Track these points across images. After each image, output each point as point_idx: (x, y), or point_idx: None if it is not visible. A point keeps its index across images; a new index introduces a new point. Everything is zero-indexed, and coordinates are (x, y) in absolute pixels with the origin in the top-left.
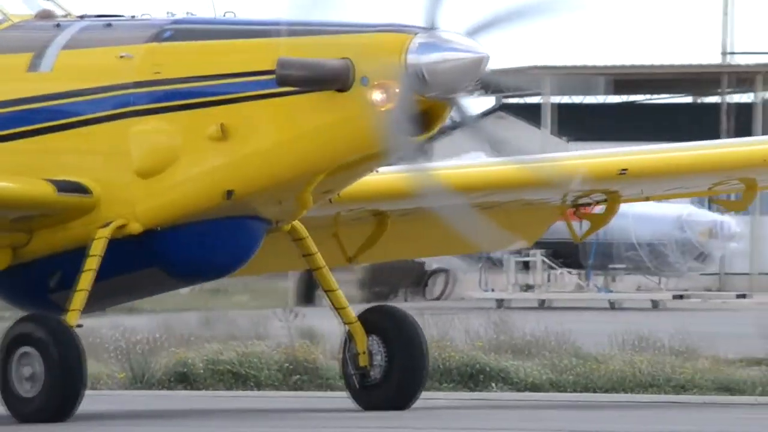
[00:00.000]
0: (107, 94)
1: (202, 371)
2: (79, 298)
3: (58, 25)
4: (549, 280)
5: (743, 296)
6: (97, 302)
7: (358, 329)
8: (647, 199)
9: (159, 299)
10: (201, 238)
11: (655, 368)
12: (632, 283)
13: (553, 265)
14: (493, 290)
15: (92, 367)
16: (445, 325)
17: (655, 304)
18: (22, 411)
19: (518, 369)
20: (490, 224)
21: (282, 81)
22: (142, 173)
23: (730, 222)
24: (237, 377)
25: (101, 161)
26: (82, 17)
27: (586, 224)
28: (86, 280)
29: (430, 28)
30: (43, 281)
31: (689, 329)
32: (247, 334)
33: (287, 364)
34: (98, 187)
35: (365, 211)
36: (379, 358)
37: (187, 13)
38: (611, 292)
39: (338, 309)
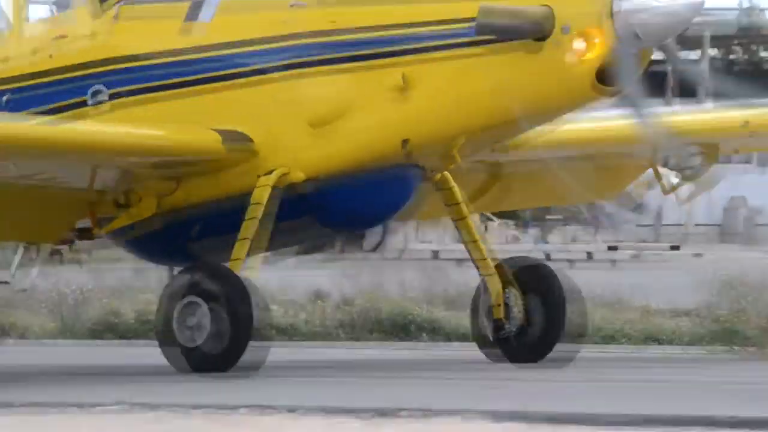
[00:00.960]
0: (279, 44)
1: (132, 321)
2: (242, 247)
3: None
4: (486, 231)
5: (677, 248)
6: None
7: (497, 281)
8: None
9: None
10: (362, 188)
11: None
12: (568, 234)
13: (491, 216)
14: (430, 242)
15: (24, 318)
16: (379, 276)
17: (590, 256)
18: (182, 359)
19: (450, 320)
20: (591, 176)
21: (482, 29)
22: (314, 123)
23: (668, 174)
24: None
25: (270, 112)
26: None
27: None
28: (250, 228)
29: None
30: (183, 231)
31: (621, 281)
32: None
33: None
34: (261, 137)
35: (482, 162)
36: (516, 312)
37: None
38: (547, 243)
39: (477, 260)
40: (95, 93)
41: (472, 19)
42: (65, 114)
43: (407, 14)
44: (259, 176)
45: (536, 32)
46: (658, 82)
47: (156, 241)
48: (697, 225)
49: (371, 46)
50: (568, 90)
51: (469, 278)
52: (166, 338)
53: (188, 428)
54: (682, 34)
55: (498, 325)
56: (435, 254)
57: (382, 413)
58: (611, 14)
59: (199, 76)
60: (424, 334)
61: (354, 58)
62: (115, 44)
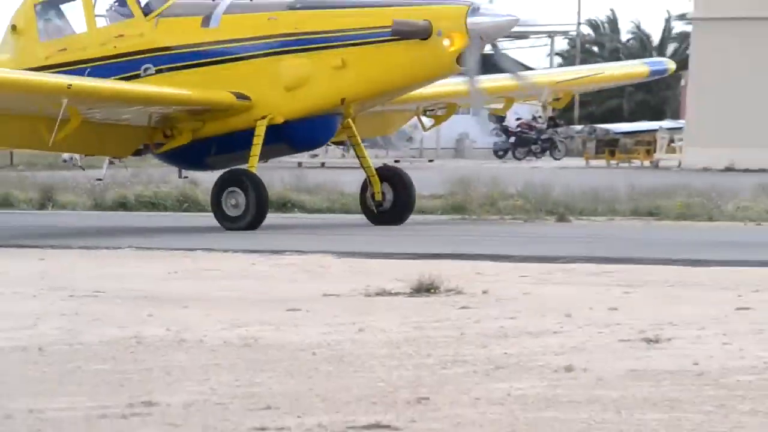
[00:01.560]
0: (264, 41)
1: (134, 202)
2: (253, 161)
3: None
4: (326, 152)
5: (432, 161)
6: (243, 162)
7: (376, 179)
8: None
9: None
10: (313, 126)
11: None
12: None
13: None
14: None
15: (70, 197)
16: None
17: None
18: (228, 224)
19: (310, 201)
20: (383, 119)
21: (395, 33)
22: (287, 88)
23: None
24: (153, 205)
25: (260, 81)
26: None
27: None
28: (256, 148)
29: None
30: (205, 151)
31: None
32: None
33: (181, 198)
34: (256, 96)
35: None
36: (388, 197)
37: None
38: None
39: (364, 167)
40: (146, 69)
41: (388, 27)
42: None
43: (346, 21)
44: (256, 120)
45: (423, 35)
46: (486, 64)
47: (186, 156)
48: (442, 149)
49: (322, 41)
50: (439, 67)
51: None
52: (217, 211)
53: (210, 261)
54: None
55: (377, 204)
56: (300, 164)
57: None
58: (465, 25)
59: (214, 59)
60: (296, 209)
61: (311, 49)
62: (157, 40)
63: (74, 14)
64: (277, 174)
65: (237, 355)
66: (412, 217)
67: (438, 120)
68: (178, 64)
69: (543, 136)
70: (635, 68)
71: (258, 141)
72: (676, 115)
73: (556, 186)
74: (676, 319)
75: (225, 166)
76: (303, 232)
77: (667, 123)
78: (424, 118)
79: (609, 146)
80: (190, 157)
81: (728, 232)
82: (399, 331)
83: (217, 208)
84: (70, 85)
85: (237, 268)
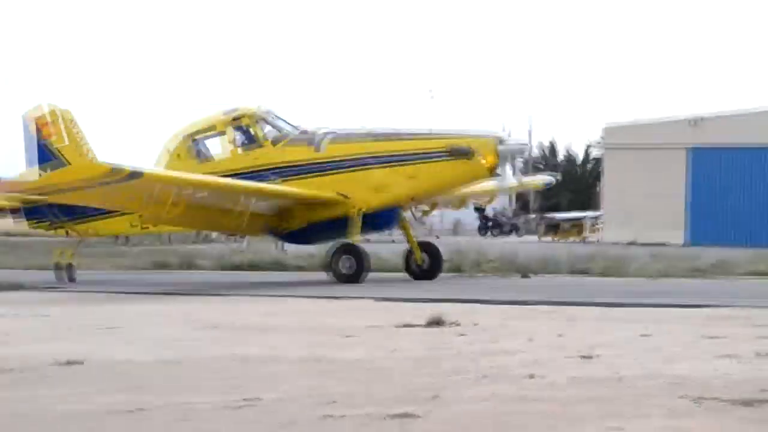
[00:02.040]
0: (358, 159)
1: (245, 265)
2: (356, 237)
3: (315, 133)
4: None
5: (438, 237)
6: (336, 239)
7: (418, 248)
8: None
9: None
10: (388, 214)
11: None
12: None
13: None
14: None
15: (205, 262)
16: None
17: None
18: (344, 279)
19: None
20: None
21: (451, 153)
22: (374, 190)
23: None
24: (257, 267)
25: (355, 185)
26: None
27: None
28: (356, 229)
29: (500, 135)
30: (313, 232)
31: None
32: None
33: (276, 262)
34: (352, 195)
35: None
36: (426, 261)
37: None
38: None
39: (410, 241)
40: (273, 178)
41: (444, 150)
42: None
43: (414, 145)
44: (353, 210)
45: (467, 155)
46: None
47: (298, 235)
48: (444, 228)
49: (398, 159)
50: (476, 176)
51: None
52: (333, 270)
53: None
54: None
55: (419, 266)
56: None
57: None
58: (497, 149)
59: (325, 171)
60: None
61: (391, 164)
62: (281, 158)
63: (214, 145)
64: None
65: (311, 367)
66: None
67: (425, 213)
68: (298, 175)
69: (510, 221)
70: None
71: (356, 224)
72: (597, 207)
73: (520, 253)
74: (602, 342)
75: (323, 242)
76: (357, 285)
77: (590, 213)
78: (416, 212)
79: (553, 228)
80: (300, 236)
81: (633, 284)
82: (418, 351)
83: (334, 268)
84: (257, 189)
85: (311, 309)
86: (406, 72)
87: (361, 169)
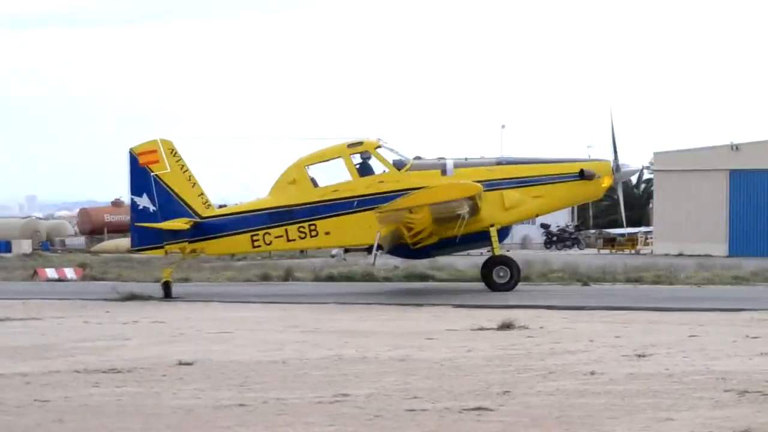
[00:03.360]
0: (488, 181)
1: (337, 276)
2: (497, 249)
3: (439, 159)
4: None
5: (508, 251)
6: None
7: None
8: None
9: None
10: (508, 229)
11: None
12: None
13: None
14: None
15: (302, 273)
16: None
17: None
18: (500, 288)
19: (439, 275)
20: None
21: (583, 176)
22: (505, 208)
23: None
24: (349, 278)
25: (489, 204)
26: (439, 158)
27: None
28: (496, 242)
29: (615, 159)
30: (448, 244)
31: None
32: (351, 263)
33: (366, 274)
34: (486, 213)
35: None
36: (504, 274)
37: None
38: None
39: (495, 254)
40: None
41: (564, 173)
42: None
43: (547, 169)
44: (486, 227)
45: (591, 178)
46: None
47: (430, 249)
48: (514, 243)
49: (528, 182)
50: (593, 196)
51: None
52: (488, 280)
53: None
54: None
55: (498, 276)
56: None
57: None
58: (612, 173)
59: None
60: (430, 279)
61: (521, 186)
62: (410, 183)
63: (328, 170)
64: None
65: (397, 366)
66: None
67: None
68: None
69: (572, 236)
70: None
71: (495, 237)
72: (648, 223)
73: (580, 264)
74: (655, 342)
75: (449, 254)
76: (437, 294)
77: (643, 228)
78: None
79: (610, 242)
80: (430, 249)
81: (681, 290)
82: (491, 351)
83: (489, 278)
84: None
85: (395, 315)
86: (478, 105)
87: (492, 190)
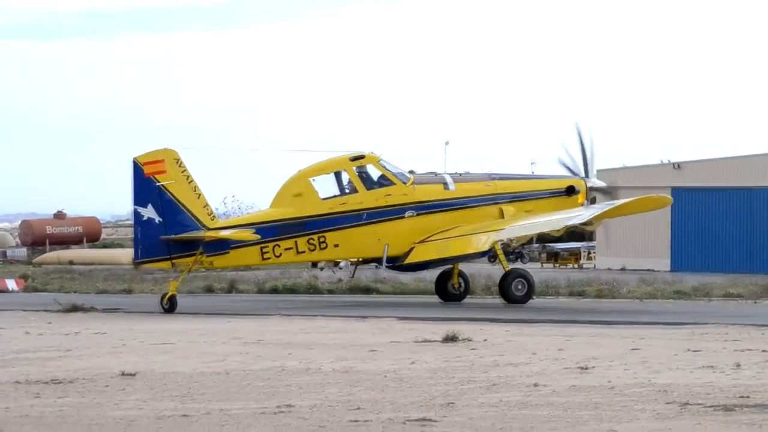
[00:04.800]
0: (484, 196)
1: (281, 288)
2: (505, 264)
3: (435, 174)
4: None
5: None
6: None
7: (457, 274)
8: None
9: None
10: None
11: None
12: None
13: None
14: None
15: (245, 286)
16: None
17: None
18: (517, 300)
19: (383, 288)
20: None
21: (568, 192)
22: (499, 222)
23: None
24: (293, 291)
25: (485, 219)
26: (434, 173)
27: None
28: (503, 257)
29: (587, 175)
30: (442, 262)
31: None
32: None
33: (309, 286)
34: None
35: None
36: (462, 286)
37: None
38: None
39: (454, 269)
40: (409, 214)
41: (550, 189)
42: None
43: (538, 184)
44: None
45: (573, 193)
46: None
47: (421, 267)
48: None
49: (523, 196)
50: (575, 206)
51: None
52: (506, 293)
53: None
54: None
55: (456, 289)
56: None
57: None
58: (587, 188)
59: (455, 207)
60: (374, 293)
61: (514, 200)
62: (416, 197)
63: (336, 184)
64: (363, 273)
65: (340, 378)
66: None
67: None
68: (430, 210)
69: (516, 251)
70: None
71: (501, 251)
72: (591, 238)
73: None
74: (597, 355)
75: (438, 267)
76: (384, 306)
77: (586, 243)
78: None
79: (553, 256)
80: (423, 266)
81: (624, 305)
82: (435, 363)
83: (507, 291)
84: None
85: (339, 326)
86: (422, 122)
87: (488, 204)
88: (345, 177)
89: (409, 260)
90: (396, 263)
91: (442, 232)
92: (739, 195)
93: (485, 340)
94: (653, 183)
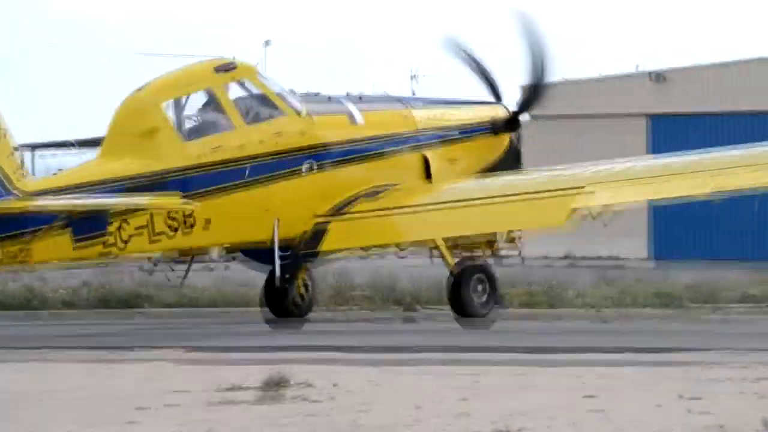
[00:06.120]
0: (406, 135)
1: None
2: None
3: (324, 97)
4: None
5: None
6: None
7: (303, 272)
8: None
9: None
10: None
11: None
12: None
13: None
14: None
15: None
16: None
17: None
18: (473, 311)
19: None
20: None
21: (494, 128)
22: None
23: None
24: None
25: (407, 173)
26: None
27: None
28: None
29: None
30: None
31: None
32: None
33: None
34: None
35: None
36: (308, 294)
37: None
38: None
39: (306, 273)
40: (308, 166)
41: (489, 122)
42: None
43: (459, 115)
44: None
45: (502, 131)
46: None
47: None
48: None
49: (447, 137)
50: (500, 155)
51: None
52: (458, 301)
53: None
54: None
55: (300, 297)
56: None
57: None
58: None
59: (365, 154)
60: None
61: (442, 140)
62: (317, 134)
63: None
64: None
65: None
66: None
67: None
68: (338, 161)
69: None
70: None
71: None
72: None
73: (401, 278)
74: (525, 409)
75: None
76: (163, 330)
77: None
78: None
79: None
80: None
81: (569, 322)
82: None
83: (462, 296)
84: None
85: (84, 372)
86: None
87: (409, 151)
88: (211, 100)
89: (330, 247)
90: (303, 253)
91: (356, 199)
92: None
93: (335, 385)
94: (621, 107)
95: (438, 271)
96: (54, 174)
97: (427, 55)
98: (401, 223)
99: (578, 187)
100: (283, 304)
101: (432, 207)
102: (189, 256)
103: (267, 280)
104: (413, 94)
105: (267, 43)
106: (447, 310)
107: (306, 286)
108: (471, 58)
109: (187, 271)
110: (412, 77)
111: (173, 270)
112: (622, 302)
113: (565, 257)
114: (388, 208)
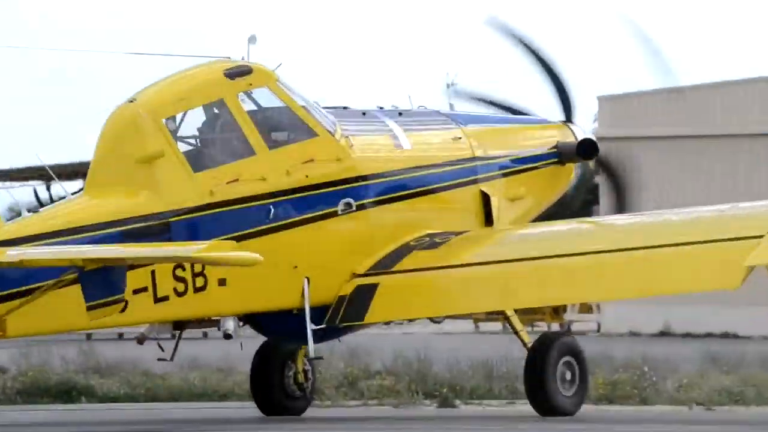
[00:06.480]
0: (461, 165)
1: None
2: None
3: (360, 113)
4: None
5: None
6: None
7: (302, 356)
8: None
9: None
10: None
11: None
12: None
13: None
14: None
15: None
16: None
17: None
18: (558, 407)
19: (102, 386)
20: None
21: (560, 156)
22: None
23: None
24: None
25: (459, 211)
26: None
27: None
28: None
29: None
30: None
31: None
32: None
33: None
34: None
35: None
36: (311, 378)
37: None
38: None
39: (298, 355)
40: (345, 205)
41: (555, 146)
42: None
43: (520, 137)
44: None
45: (567, 159)
46: None
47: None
48: None
49: (509, 167)
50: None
51: None
52: (538, 394)
53: None
54: None
55: (300, 385)
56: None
57: None
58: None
59: (415, 189)
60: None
61: (502, 173)
62: (357, 165)
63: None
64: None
65: None
66: None
67: None
68: (383, 198)
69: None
70: None
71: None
72: None
73: (433, 360)
74: None
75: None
76: None
77: None
78: None
79: None
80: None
81: (674, 425)
82: None
83: (544, 388)
84: None
85: None
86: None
87: (463, 185)
88: (223, 115)
89: (378, 318)
90: (344, 325)
91: (408, 251)
92: None
93: None
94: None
95: (488, 344)
96: (30, 213)
97: (463, 56)
98: (484, 285)
99: (756, 237)
100: (274, 395)
101: (532, 264)
102: (185, 329)
103: (254, 365)
104: (451, 108)
105: (252, 39)
106: (497, 404)
107: (305, 372)
108: (540, 58)
109: (175, 348)
110: (448, 86)
111: (162, 349)
112: (742, 398)
113: (661, 333)
114: (460, 265)
